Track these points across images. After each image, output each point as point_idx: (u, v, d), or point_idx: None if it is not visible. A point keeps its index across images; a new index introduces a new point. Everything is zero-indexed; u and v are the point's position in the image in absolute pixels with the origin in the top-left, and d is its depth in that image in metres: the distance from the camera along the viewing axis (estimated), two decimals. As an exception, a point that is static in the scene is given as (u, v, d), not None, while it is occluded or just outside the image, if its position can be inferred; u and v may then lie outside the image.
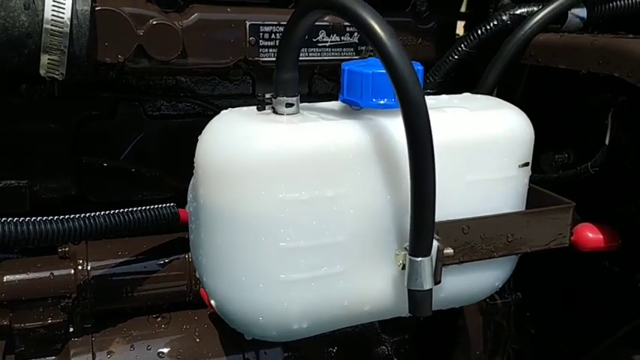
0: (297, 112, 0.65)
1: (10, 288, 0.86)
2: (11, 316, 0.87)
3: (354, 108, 0.67)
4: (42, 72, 0.70)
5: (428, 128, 0.55)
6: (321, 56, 0.88)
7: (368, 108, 0.65)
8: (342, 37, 0.89)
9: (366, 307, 0.68)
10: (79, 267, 0.88)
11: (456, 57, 0.90)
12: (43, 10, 0.67)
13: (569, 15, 0.85)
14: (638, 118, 0.67)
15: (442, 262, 0.64)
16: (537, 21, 0.83)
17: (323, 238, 0.63)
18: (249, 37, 0.82)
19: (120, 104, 0.91)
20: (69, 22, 0.68)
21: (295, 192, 0.61)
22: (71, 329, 0.89)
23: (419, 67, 0.66)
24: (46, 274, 0.87)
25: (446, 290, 0.71)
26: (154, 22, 0.75)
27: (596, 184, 0.82)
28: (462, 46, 0.89)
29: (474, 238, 0.69)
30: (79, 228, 0.70)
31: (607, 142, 0.76)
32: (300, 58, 0.85)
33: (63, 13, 0.68)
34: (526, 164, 0.73)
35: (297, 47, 0.62)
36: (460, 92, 0.80)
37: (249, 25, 0.82)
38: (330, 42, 0.89)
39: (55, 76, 0.70)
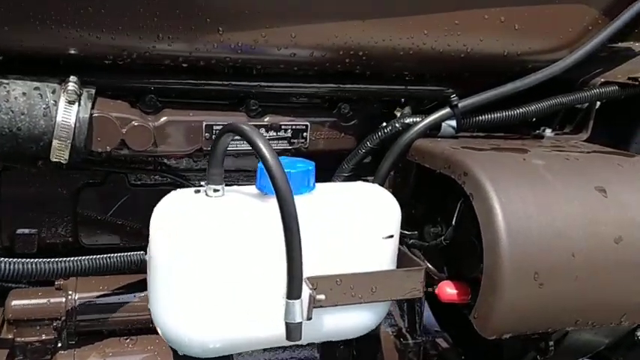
0: (223, 195, 0.94)
1: (16, 310, 1.15)
2: (15, 332, 1.16)
3: (264, 193, 0.96)
4: (52, 157, 1.00)
5: (293, 215, 0.84)
6: (260, 147, 1.18)
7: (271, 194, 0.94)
8: (278, 133, 1.20)
9: (265, 334, 0.94)
10: (69, 297, 1.17)
11: (363, 151, 1.19)
12: (56, 116, 0.98)
13: (443, 125, 1.15)
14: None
15: (313, 304, 0.91)
16: (416, 130, 1.13)
17: (233, 285, 0.91)
18: (205, 133, 1.13)
19: (110, 175, 1.22)
20: (73, 125, 0.99)
21: (214, 251, 0.90)
22: (59, 344, 1.18)
23: (309, 166, 0.96)
24: (44, 300, 1.16)
25: (327, 325, 0.98)
26: (134, 124, 1.06)
27: (457, 250, 1.09)
28: (368, 143, 1.19)
29: (345, 289, 0.96)
30: (66, 268, 0.99)
31: (454, 221, 1.04)
32: (243, 149, 1.17)
33: (69, 119, 0.99)
34: (390, 236, 1.00)
35: (220, 154, 0.92)
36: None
37: (205, 125, 1.13)
38: (269, 136, 1.19)
39: (61, 160, 1.01)
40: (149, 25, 0.99)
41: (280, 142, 1.20)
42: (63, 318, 1.16)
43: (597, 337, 1.44)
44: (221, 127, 1.14)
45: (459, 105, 1.12)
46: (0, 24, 0.93)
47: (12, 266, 0.95)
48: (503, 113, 1.17)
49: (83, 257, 1.02)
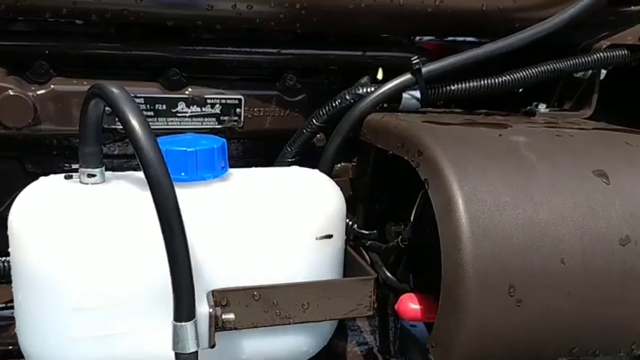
0: (102, 181, 0.72)
1: None
2: None
3: (158, 180, 0.73)
4: None
5: (174, 207, 0.61)
6: (180, 125, 0.96)
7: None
8: (203, 108, 0.97)
9: (157, 362, 0.72)
10: None
11: (309, 130, 0.96)
12: None
13: (403, 96, 0.91)
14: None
15: (217, 326, 0.69)
16: (369, 101, 0.89)
17: (108, 300, 0.69)
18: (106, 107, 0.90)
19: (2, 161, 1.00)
20: None
21: (83, 257, 0.67)
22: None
23: (217, 143, 0.74)
24: None
25: (245, 354, 0.76)
26: (8, 93, 0.84)
27: (423, 254, 0.86)
28: (314, 120, 0.96)
29: (266, 305, 0.73)
30: None
31: (412, 219, 0.81)
32: (160, 127, 0.95)
33: None
34: (328, 236, 0.78)
35: (93, 124, 0.69)
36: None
37: (104, 97, 0.90)
38: (191, 112, 0.96)
39: None
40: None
41: (207, 119, 0.98)
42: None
43: None
44: (127, 99, 0.91)
45: (423, 70, 0.89)
46: None
47: None
48: (481, 82, 0.93)
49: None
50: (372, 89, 0.92)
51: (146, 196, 0.65)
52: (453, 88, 0.92)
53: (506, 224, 0.65)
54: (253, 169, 0.83)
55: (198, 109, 0.97)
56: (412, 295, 0.84)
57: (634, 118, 1.04)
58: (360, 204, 0.98)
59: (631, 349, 0.72)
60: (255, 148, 1.08)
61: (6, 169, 0.97)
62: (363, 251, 0.95)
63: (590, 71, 1.01)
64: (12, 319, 0.83)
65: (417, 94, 0.92)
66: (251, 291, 0.73)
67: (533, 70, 0.94)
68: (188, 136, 0.77)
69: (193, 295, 0.65)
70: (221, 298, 0.71)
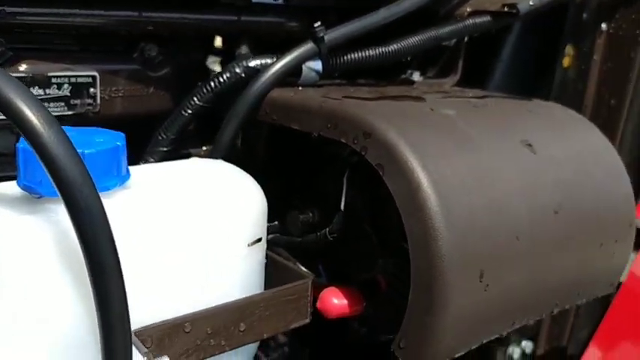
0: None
1: None
2: None
3: (34, 196, 0.52)
4: None
5: (106, 245, 0.44)
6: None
7: (51, 197, 0.51)
8: (47, 91, 0.74)
9: None
10: None
11: (189, 111, 0.80)
12: None
13: (303, 68, 0.81)
14: (372, 181, 0.64)
15: (153, 378, 0.53)
16: (271, 76, 0.77)
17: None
18: None
19: None
20: None
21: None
22: None
23: (117, 139, 0.55)
24: None
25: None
26: None
27: (343, 245, 0.78)
28: (195, 99, 0.80)
29: (200, 336, 0.59)
30: None
31: (342, 206, 0.72)
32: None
33: None
34: (258, 240, 0.65)
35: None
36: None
37: None
38: (31, 96, 0.72)
39: None
40: None
41: (53, 104, 0.75)
42: None
43: None
44: None
45: (326, 38, 0.79)
46: None
47: None
48: (379, 50, 0.86)
49: None
50: (269, 61, 0.79)
51: (25, 221, 0.46)
52: (353, 57, 0.84)
53: (473, 207, 0.61)
54: (151, 166, 0.65)
55: (41, 91, 0.73)
56: (333, 288, 0.76)
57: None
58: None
59: (551, 311, 0.75)
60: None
61: None
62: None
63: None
64: None
65: (316, 65, 0.82)
66: (180, 323, 0.57)
67: (421, 37, 0.91)
68: (66, 130, 0.56)
69: (129, 340, 0.48)
70: (146, 338, 0.54)
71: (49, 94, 0.74)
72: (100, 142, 0.54)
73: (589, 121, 0.84)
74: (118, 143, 0.54)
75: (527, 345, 1.40)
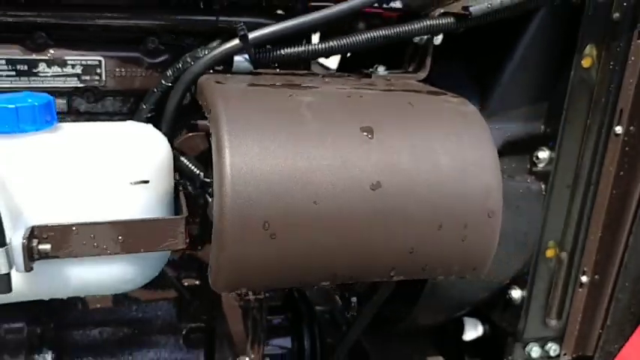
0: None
1: None
2: None
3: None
4: None
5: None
6: (43, 84, 1.07)
7: None
8: (64, 69, 1.08)
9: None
10: None
11: (159, 90, 1.07)
12: None
13: (235, 59, 1.02)
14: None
15: (29, 254, 0.81)
16: (201, 64, 1.00)
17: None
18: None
19: None
20: None
21: None
22: None
23: (38, 100, 0.85)
24: None
25: (70, 279, 0.89)
26: None
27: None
28: (163, 81, 1.07)
29: (84, 239, 0.86)
30: None
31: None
32: (23, 86, 1.06)
33: None
34: (144, 182, 0.90)
35: None
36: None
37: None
38: (53, 72, 1.07)
39: None
40: None
41: (69, 79, 1.09)
42: None
43: (463, 293, 1.36)
44: (-12, 60, 1.03)
45: (250, 36, 0.99)
46: None
47: None
48: (309, 47, 1.03)
49: None
50: (206, 52, 1.02)
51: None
52: (281, 52, 1.03)
53: (265, 171, 0.77)
54: (87, 123, 0.95)
55: (60, 70, 1.07)
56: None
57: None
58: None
59: (390, 275, 0.85)
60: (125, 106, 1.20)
61: None
62: (208, 197, 1.07)
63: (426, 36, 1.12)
64: None
65: (244, 58, 1.02)
66: (70, 226, 0.85)
67: (361, 37, 1.04)
68: (22, 95, 0.88)
69: (1, 226, 0.77)
70: (40, 231, 0.84)
71: (65, 71, 1.08)
72: (25, 102, 0.84)
73: (480, 119, 0.90)
74: (37, 103, 0.84)
75: (552, 348, 1.41)
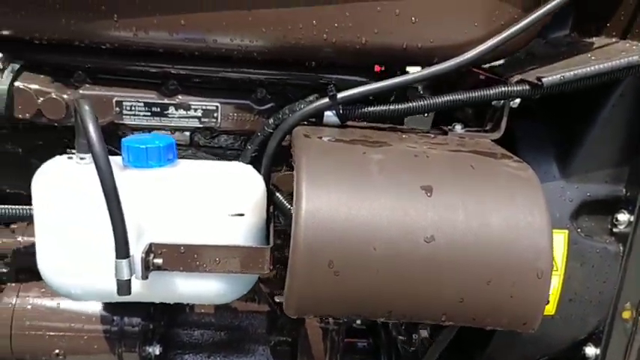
0: (90, 162, 1.08)
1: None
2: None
3: (124, 165, 1.08)
4: (-21, 121, 1.21)
5: (109, 182, 0.95)
6: (171, 123, 1.30)
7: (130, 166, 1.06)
8: (188, 112, 1.30)
9: (111, 289, 1.06)
10: (17, 238, 1.39)
11: (263, 134, 1.26)
12: (-21, 87, 1.18)
13: (326, 114, 1.18)
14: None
15: (146, 266, 1.02)
16: (295, 117, 1.17)
17: (88, 242, 1.05)
18: (115, 107, 1.27)
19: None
20: (-7, 95, 1.19)
21: (74, 209, 1.04)
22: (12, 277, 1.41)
23: (163, 142, 1.07)
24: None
25: (174, 288, 1.09)
26: (50, 96, 1.23)
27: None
28: (265, 127, 1.26)
29: (188, 257, 1.06)
30: None
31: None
32: (155, 124, 1.30)
33: (-10, 90, 1.18)
34: (240, 215, 1.08)
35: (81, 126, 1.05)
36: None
37: (115, 100, 1.27)
38: (179, 114, 1.30)
39: (-13, 125, 1.21)
40: (59, 13, 1.15)
41: (191, 120, 1.31)
42: (11, 256, 1.39)
43: (537, 342, 1.42)
44: (130, 103, 1.28)
45: (338, 96, 1.15)
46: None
47: None
48: (390, 107, 1.17)
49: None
50: (302, 106, 1.19)
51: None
52: (366, 110, 1.18)
53: (333, 218, 0.92)
54: (201, 162, 1.16)
55: (184, 112, 1.30)
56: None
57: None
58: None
59: (441, 319, 0.96)
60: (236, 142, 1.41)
61: (52, 142, 1.39)
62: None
63: (502, 100, 1.21)
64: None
65: (333, 114, 1.18)
66: (179, 246, 1.05)
67: (439, 100, 1.16)
68: (149, 135, 1.10)
69: (126, 242, 0.99)
70: (156, 248, 1.04)
71: (189, 114, 1.30)
72: (156, 143, 1.06)
73: (535, 184, 0.98)
74: (161, 144, 1.06)
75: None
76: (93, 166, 1.06)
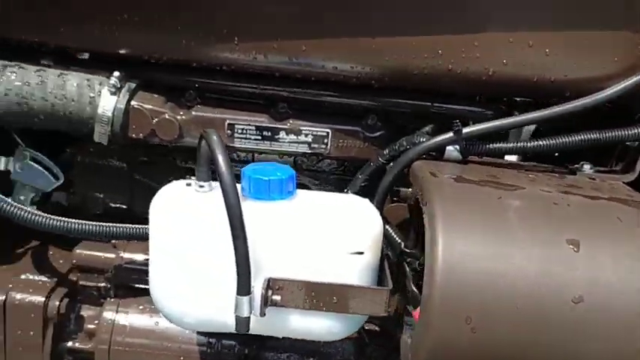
0: (209, 190, 1.06)
1: (79, 257, 1.39)
2: (78, 276, 1.41)
3: (244, 195, 1.05)
4: (95, 139, 1.20)
5: (237, 217, 0.92)
6: (281, 148, 1.27)
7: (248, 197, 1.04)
8: (298, 137, 1.27)
9: (230, 321, 1.04)
10: (119, 254, 1.39)
11: (376, 165, 1.21)
12: (98, 105, 1.18)
13: (447, 149, 1.12)
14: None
15: (267, 302, 0.99)
16: (415, 151, 1.12)
17: (205, 273, 1.03)
18: (227, 130, 1.25)
19: (161, 157, 1.41)
20: (111, 114, 1.18)
21: (190, 238, 1.02)
22: (110, 293, 1.41)
23: (285, 175, 1.03)
24: (100, 254, 1.40)
25: (289, 324, 1.06)
26: (164, 117, 1.22)
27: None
28: (379, 157, 1.21)
29: (306, 295, 1.02)
30: (89, 230, 1.18)
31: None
32: (265, 148, 1.27)
33: (108, 108, 1.17)
34: (359, 253, 1.03)
35: (203, 155, 1.02)
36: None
37: (227, 123, 1.25)
38: (289, 139, 1.27)
39: (103, 142, 1.21)
40: (179, 34, 1.14)
41: (300, 145, 1.28)
42: (112, 271, 1.39)
43: None
44: (242, 126, 1.26)
45: (464, 131, 1.09)
46: (72, 26, 1.16)
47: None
48: (516, 144, 1.11)
49: (109, 224, 1.22)
50: (423, 139, 1.14)
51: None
52: (490, 147, 1.11)
53: (472, 271, 0.86)
54: (316, 192, 1.12)
55: (294, 137, 1.27)
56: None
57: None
58: (412, 229, 1.21)
59: None
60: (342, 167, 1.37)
61: (157, 159, 1.40)
62: (405, 266, 1.19)
63: (637, 142, 1.13)
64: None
65: (455, 149, 1.12)
66: (296, 283, 1.02)
67: (569, 140, 1.09)
68: (270, 165, 1.07)
69: (249, 279, 0.96)
70: (274, 283, 1.01)
71: (299, 139, 1.27)
72: (277, 174, 1.03)
73: None
74: (284, 177, 1.03)
75: None
76: (212, 194, 1.05)
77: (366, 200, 1.12)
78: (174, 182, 1.11)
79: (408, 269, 1.18)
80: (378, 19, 1.10)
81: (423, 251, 1.17)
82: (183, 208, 1.04)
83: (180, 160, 1.42)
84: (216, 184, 1.07)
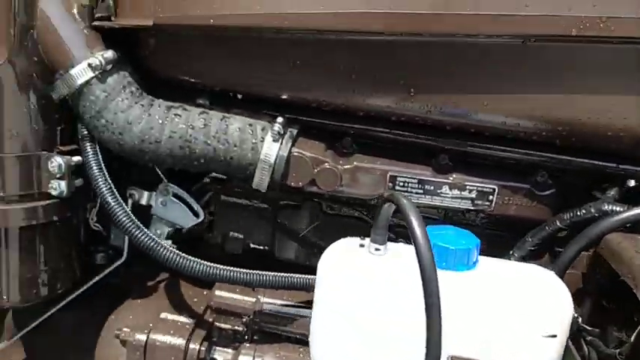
0: (384, 254, 0.99)
1: (217, 300, 1.36)
2: (214, 317, 1.38)
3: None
4: (253, 185, 1.16)
5: (435, 296, 0.84)
6: (442, 203, 1.19)
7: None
8: (462, 192, 1.19)
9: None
10: (259, 299, 1.35)
11: (550, 228, 1.12)
12: (260, 152, 1.14)
13: (635, 220, 1.01)
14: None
15: (449, 383, 0.91)
16: (611, 222, 1.01)
17: (375, 343, 0.96)
18: (388, 182, 1.18)
19: (307, 201, 1.36)
20: (273, 162, 1.13)
21: (362, 305, 0.95)
22: (246, 337, 1.37)
23: (472, 244, 0.95)
24: (239, 297, 1.36)
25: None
26: (325, 166, 1.17)
27: None
28: (557, 222, 1.11)
29: (486, 376, 0.93)
30: (250, 279, 1.15)
31: (632, 339, 0.92)
32: (426, 203, 1.20)
33: (271, 156, 1.13)
34: (553, 336, 0.94)
35: (382, 220, 0.95)
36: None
37: (390, 175, 1.18)
38: (452, 194, 1.19)
39: (261, 189, 1.17)
40: (352, 82, 1.09)
41: (463, 201, 1.19)
42: (251, 316, 1.35)
43: None
44: (404, 179, 1.19)
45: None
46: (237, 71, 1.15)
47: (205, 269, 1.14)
48: None
49: (268, 273, 1.17)
50: (618, 209, 1.03)
51: (412, 271, 0.90)
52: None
53: None
54: (498, 261, 1.03)
55: (458, 192, 1.19)
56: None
57: None
58: (588, 300, 1.10)
59: None
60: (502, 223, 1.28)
61: (310, 208, 1.36)
62: (583, 344, 1.08)
63: None
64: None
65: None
66: (477, 363, 0.93)
67: None
68: (451, 230, 0.99)
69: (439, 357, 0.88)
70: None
71: (462, 195, 1.19)
72: (462, 243, 0.95)
73: None
74: (470, 247, 0.94)
75: None
76: (387, 258, 0.99)
77: (552, 274, 1.02)
78: (345, 240, 1.05)
79: (585, 347, 1.08)
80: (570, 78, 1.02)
81: (605, 332, 1.07)
82: (358, 270, 0.97)
83: (325, 206, 1.36)
84: (390, 248, 1.01)
